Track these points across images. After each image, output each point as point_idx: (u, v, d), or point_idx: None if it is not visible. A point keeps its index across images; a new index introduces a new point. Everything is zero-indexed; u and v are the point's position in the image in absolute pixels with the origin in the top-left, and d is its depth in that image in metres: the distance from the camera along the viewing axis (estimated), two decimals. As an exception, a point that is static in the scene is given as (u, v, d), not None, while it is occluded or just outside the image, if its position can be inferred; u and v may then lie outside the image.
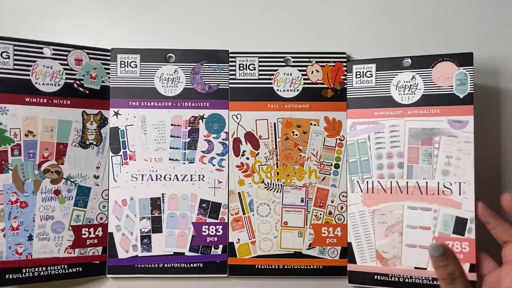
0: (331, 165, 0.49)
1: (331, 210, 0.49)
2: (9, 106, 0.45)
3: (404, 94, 0.47)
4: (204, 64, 0.50)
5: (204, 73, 0.50)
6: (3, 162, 0.45)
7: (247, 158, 0.50)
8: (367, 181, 0.47)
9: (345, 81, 0.50)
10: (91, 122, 0.47)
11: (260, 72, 0.50)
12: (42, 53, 0.46)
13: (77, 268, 0.47)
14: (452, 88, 0.46)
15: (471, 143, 0.45)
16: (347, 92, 0.49)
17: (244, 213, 0.49)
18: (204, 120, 0.50)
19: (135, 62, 0.49)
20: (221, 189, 0.49)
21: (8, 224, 0.45)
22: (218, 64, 0.50)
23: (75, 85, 0.47)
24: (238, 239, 0.49)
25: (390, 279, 0.46)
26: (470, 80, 0.45)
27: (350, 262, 0.48)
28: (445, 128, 0.46)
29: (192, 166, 0.49)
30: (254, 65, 0.50)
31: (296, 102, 0.50)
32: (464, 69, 0.45)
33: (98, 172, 0.48)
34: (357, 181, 0.48)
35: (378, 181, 0.47)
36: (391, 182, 0.47)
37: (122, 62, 0.49)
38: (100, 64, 0.47)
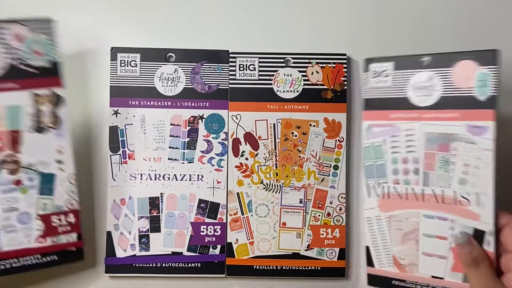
0: (330, 167, 0.49)
1: (329, 212, 0.49)
2: None
3: (421, 95, 0.44)
4: (204, 64, 0.50)
5: (204, 73, 0.50)
6: None
7: (246, 159, 0.50)
8: (383, 186, 0.46)
9: (345, 82, 0.50)
10: (45, 103, 0.43)
11: (260, 73, 0.50)
12: None
13: (52, 257, 0.45)
14: (473, 90, 0.42)
15: (490, 151, 0.41)
16: (363, 93, 0.47)
17: (242, 214, 0.49)
18: (203, 120, 0.50)
19: (135, 61, 0.49)
20: (220, 189, 0.49)
21: None
22: (218, 64, 0.50)
23: (20, 65, 0.43)
24: (237, 240, 0.49)
25: (406, 285, 0.45)
26: (494, 81, 0.41)
27: (369, 265, 0.47)
28: (464, 134, 0.42)
29: (191, 166, 0.49)
30: (254, 65, 0.50)
31: (295, 103, 0.50)
32: (486, 68, 0.41)
33: (61, 157, 0.45)
34: (373, 186, 0.46)
35: (394, 187, 0.45)
36: (406, 188, 0.44)
37: (122, 61, 0.49)
38: (44, 38, 0.44)
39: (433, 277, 0.44)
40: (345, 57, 0.50)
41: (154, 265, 0.49)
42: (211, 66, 0.50)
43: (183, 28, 0.51)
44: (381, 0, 0.52)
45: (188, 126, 0.50)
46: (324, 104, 0.50)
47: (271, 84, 0.50)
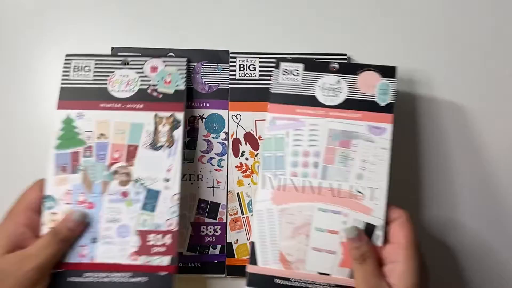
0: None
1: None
2: (85, 111, 0.46)
3: (328, 95, 0.46)
4: (204, 64, 0.50)
5: (204, 73, 0.50)
6: (74, 163, 0.45)
7: (246, 159, 0.50)
8: (280, 178, 0.45)
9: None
10: (164, 124, 0.46)
11: (260, 73, 0.50)
12: (120, 64, 0.48)
13: (141, 279, 0.43)
14: (375, 96, 0.46)
15: (387, 150, 0.45)
16: (271, 86, 0.47)
17: (242, 214, 0.49)
18: (203, 120, 0.50)
19: (136, 61, 0.50)
20: (220, 189, 0.49)
21: None
22: (219, 64, 0.50)
23: (149, 90, 0.47)
24: (237, 240, 0.49)
25: (290, 284, 0.43)
26: (392, 91, 0.46)
27: (252, 263, 0.44)
28: (364, 133, 0.45)
29: (191, 166, 0.49)
30: (254, 65, 0.50)
31: (295, 103, 0.50)
32: (387, 80, 0.46)
33: (169, 175, 0.45)
34: (269, 177, 0.45)
35: (291, 179, 0.45)
36: (304, 181, 0.45)
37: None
38: (176, 71, 0.48)
39: (319, 273, 0.43)
40: (345, 57, 0.50)
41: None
42: (211, 66, 0.50)
43: (183, 28, 0.51)
44: (381, 0, 0.52)
45: (188, 126, 0.50)
46: (324, 104, 0.50)
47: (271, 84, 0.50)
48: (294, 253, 0.44)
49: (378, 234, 0.43)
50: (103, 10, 0.52)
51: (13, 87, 0.51)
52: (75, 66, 0.47)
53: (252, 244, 0.45)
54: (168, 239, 0.44)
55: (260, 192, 0.45)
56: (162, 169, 0.45)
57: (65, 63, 0.48)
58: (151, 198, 0.45)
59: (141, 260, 0.43)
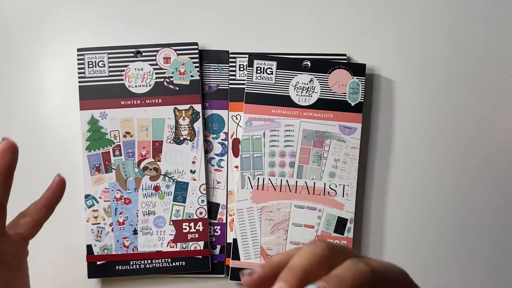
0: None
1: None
2: (107, 110, 0.48)
3: (301, 95, 0.48)
4: (204, 64, 0.50)
5: (204, 73, 0.50)
6: (106, 162, 0.48)
7: (246, 159, 0.49)
8: (258, 178, 0.48)
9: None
10: (183, 117, 0.48)
11: (260, 73, 0.50)
12: (132, 57, 0.48)
13: (180, 262, 0.47)
14: (345, 96, 0.48)
15: (357, 149, 0.48)
16: (246, 86, 0.49)
17: (242, 214, 0.49)
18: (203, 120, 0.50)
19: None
20: (219, 190, 0.49)
21: (115, 219, 0.48)
22: (218, 65, 0.50)
23: (165, 83, 0.48)
24: (236, 240, 0.49)
25: None
26: (362, 90, 0.48)
27: (234, 259, 0.47)
28: (336, 133, 0.48)
29: (191, 166, 0.50)
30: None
31: (295, 103, 0.50)
32: (357, 78, 0.48)
33: (195, 167, 0.48)
34: (248, 177, 0.48)
35: (269, 179, 0.48)
36: (281, 180, 0.48)
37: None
38: (188, 59, 0.48)
39: None
40: (345, 57, 0.50)
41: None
42: (211, 66, 0.50)
43: (182, 29, 0.51)
44: (381, 0, 0.52)
45: (188, 126, 0.50)
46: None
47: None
48: (274, 247, 0.47)
49: (350, 226, 0.47)
50: (101, 10, 0.52)
51: (13, 87, 0.51)
52: (89, 61, 0.48)
53: (234, 241, 0.47)
54: (200, 226, 0.48)
55: (240, 192, 0.48)
56: (188, 161, 0.48)
57: (78, 59, 0.48)
58: (181, 190, 0.48)
59: (179, 247, 0.47)
